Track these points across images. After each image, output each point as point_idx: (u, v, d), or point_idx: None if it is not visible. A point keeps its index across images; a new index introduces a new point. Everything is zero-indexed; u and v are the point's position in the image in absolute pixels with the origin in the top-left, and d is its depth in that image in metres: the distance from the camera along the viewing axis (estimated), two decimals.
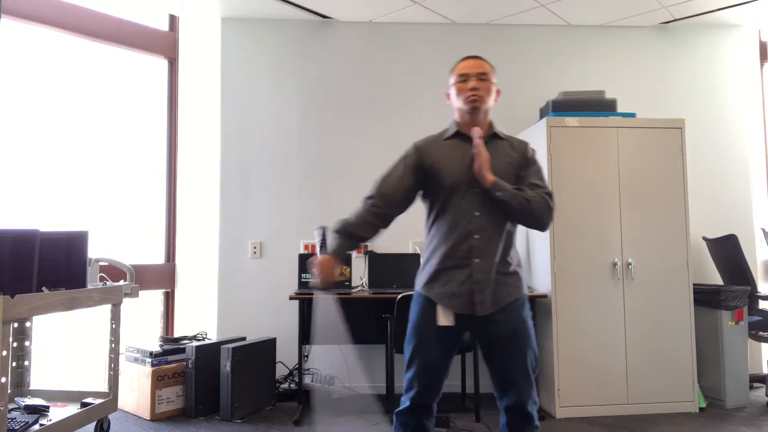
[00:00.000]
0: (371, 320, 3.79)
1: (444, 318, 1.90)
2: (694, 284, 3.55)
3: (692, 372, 3.45)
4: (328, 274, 1.93)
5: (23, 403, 2.77)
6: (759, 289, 3.99)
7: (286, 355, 3.90)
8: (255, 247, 4.10)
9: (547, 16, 4.18)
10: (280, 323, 3.99)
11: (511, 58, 4.32)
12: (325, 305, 2.00)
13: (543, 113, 3.86)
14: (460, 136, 1.98)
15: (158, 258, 4.27)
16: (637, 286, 3.47)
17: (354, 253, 4.04)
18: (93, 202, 3.95)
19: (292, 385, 3.92)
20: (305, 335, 3.62)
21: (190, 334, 3.81)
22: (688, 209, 3.56)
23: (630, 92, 4.28)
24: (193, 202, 4.27)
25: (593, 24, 4.33)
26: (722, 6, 4.03)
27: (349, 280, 3.78)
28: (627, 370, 3.42)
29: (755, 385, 3.91)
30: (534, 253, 3.72)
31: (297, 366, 3.64)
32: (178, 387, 3.44)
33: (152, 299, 4.24)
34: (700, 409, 3.45)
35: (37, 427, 2.50)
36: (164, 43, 4.31)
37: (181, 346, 3.51)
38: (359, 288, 3.87)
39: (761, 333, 3.82)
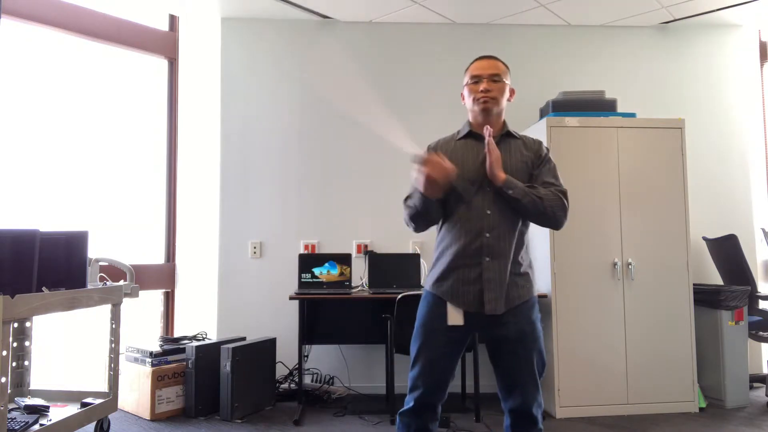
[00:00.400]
0: (371, 320, 3.80)
1: (454, 317, 1.89)
2: (694, 284, 3.55)
3: (692, 372, 3.45)
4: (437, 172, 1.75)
5: (23, 403, 2.77)
6: (759, 289, 3.99)
7: (286, 355, 3.90)
8: (255, 247, 4.10)
9: (547, 16, 4.18)
10: (280, 323, 3.99)
11: (511, 58, 4.27)
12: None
13: (543, 113, 3.86)
14: (473, 135, 1.98)
15: (158, 258, 4.27)
16: (637, 286, 3.47)
17: (354, 253, 4.04)
18: (93, 202, 3.95)
19: (292, 385, 3.92)
20: (305, 335, 3.62)
21: (190, 334, 3.81)
22: (688, 209, 3.56)
23: (630, 92, 4.28)
24: (193, 202, 4.27)
25: (593, 24, 4.33)
26: (722, 6, 4.03)
27: (349, 280, 3.78)
28: (627, 370, 3.42)
29: (755, 385, 3.92)
30: (534, 253, 3.71)
31: (297, 366, 3.64)
32: (178, 387, 3.44)
33: (152, 299, 4.24)
34: (700, 409, 3.45)
35: (37, 427, 2.50)
36: (164, 43, 4.31)
37: (181, 346, 3.51)
38: (359, 288, 3.87)
39: (761, 333, 3.82)
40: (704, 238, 4.11)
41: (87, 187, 3.93)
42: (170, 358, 3.45)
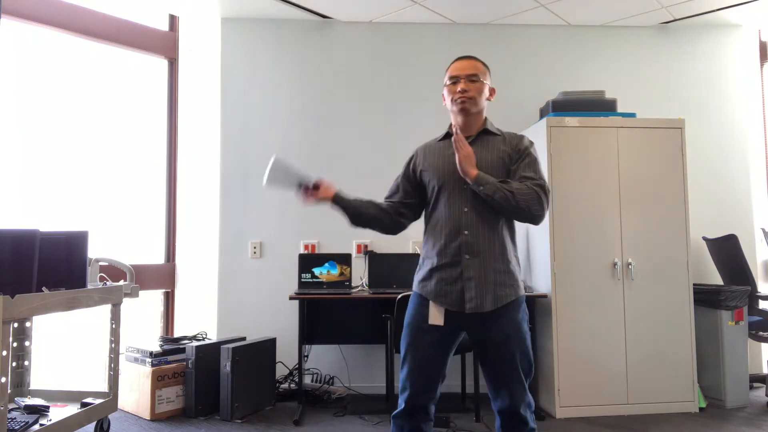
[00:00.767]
0: (371, 320, 3.80)
1: (435, 316, 1.89)
2: (694, 284, 3.55)
3: (692, 372, 3.45)
4: (322, 188, 2.02)
5: (23, 403, 2.77)
6: (759, 289, 3.99)
7: (286, 355, 3.90)
8: (255, 247, 4.10)
9: (547, 16, 4.18)
10: (280, 323, 3.99)
11: (511, 58, 4.32)
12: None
13: (543, 113, 3.86)
14: (452, 136, 1.99)
15: (158, 258, 4.27)
16: (637, 286, 3.47)
17: (354, 253, 4.04)
18: (93, 202, 3.95)
19: (292, 385, 3.92)
20: (305, 335, 3.62)
21: (190, 334, 3.81)
22: (688, 209, 3.56)
23: (630, 92, 4.28)
24: (193, 202, 4.27)
25: (593, 24, 4.33)
26: (722, 6, 4.03)
27: (349, 280, 3.78)
28: (627, 370, 3.42)
29: (755, 385, 3.92)
30: (534, 253, 3.72)
31: (297, 366, 3.64)
32: (178, 387, 3.44)
33: (152, 299, 4.24)
34: (700, 409, 3.45)
35: (37, 427, 2.50)
36: (164, 43, 4.31)
37: (181, 346, 3.51)
38: (359, 288, 3.87)
39: (761, 333, 3.82)
40: (704, 238, 4.11)
41: (87, 187, 3.93)
42: (170, 358, 3.45)
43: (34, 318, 3.08)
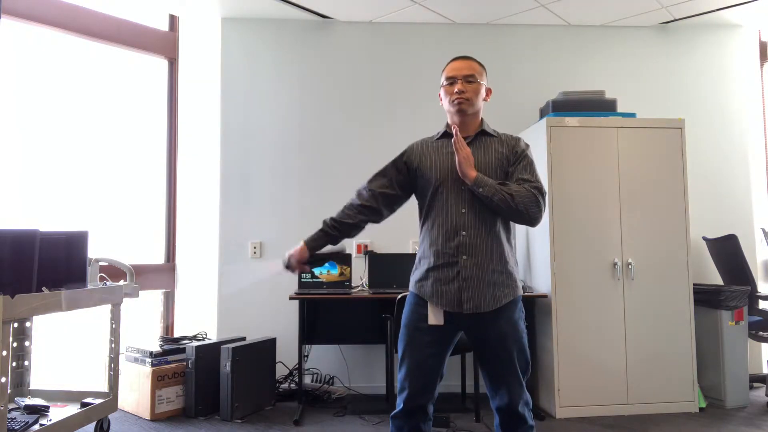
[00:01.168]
0: (371, 320, 3.80)
1: (434, 316, 1.90)
2: (694, 284, 3.55)
3: (692, 372, 3.45)
4: (294, 258, 2.10)
5: (23, 403, 2.77)
6: (759, 289, 3.99)
7: (286, 355, 3.90)
8: (255, 247, 4.10)
9: (547, 16, 4.18)
10: (280, 323, 3.99)
11: (511, 58, 4.32)
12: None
13: (543, 113, 3.86)
14: (448, 136, 2.00)
15: (158, 258, 4.27)
16: (637, 286, 3.47)
17: (354, 253, 4.04)
18: (93, 202, 3.95)
19: (292, 385, 3.92)
20: (305, 335, 3.62)
21: (190, 334, 3.81)
22: (688, 209, 3.56)
23: (630, 92, 4.28)
24: (193, 202, 4.27)
25: (593, 24, 4.33)
26: (722, 6, 4.03)
27: (349, 280, 3.78)
28: (627, 370, 3.42)
29: (755, 385, 3.91)
30: (534, 253, 3.72)
31: (297, 366, 3.64)
32: (178, 387, 3.44)
33: (152, 299, 4.24)
34: (700, 409, 3.45)
35: (37, 427, 2.50)
36: (164, 43, 4.31)
37: (181, 346, 3.51)
38: (359, 288, 3.87)
39: (761, 333, 3.82)
40: (704, 238, 4.11)
41: (87, 187, 3.93)
42: (170, 358, 3.45)
43: (34, 318, 3.08)
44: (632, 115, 3.66)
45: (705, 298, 3.64)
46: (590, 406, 3.38)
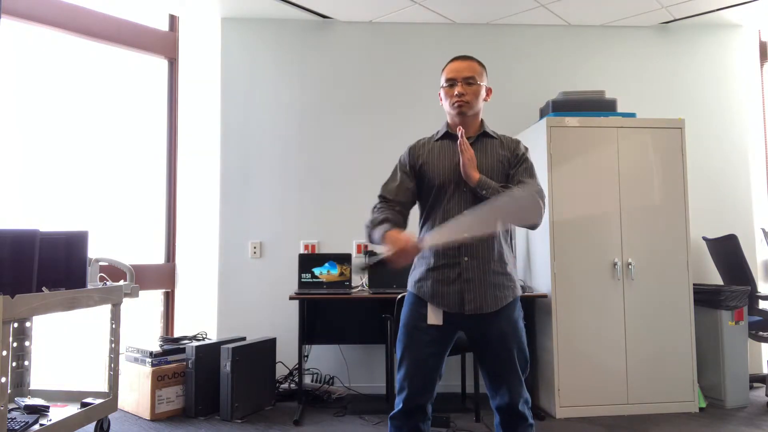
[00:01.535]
0: (371, 320, 3.79)
1: (433, 317, 1.90)
2: (694, 284, 3.55)
3: (692, 372, 3.45)
4: (402, 248, 1.80)
5: (23, 403, 2.77)
6: (759, 289, 3.99)
7: (286, 355, 3.90)
8: (255, 247, 4.10)
9: (547, 16, 4.17)
10: (280, 323, 3.99)
11: (511, 58, 4.31)
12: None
13: (543, 113, 3.86)
14: (450, 137, 2.00)
15: (158, 258, 4.27)
16: (637, 286, 3.47)
17: (354, 253, 4.04)
18: (93, 202, 3.95)
19: (292, 385, 3.92)
20: (305, 335, 3.62)
21: (190, 334, 3.81)
22: (688, 209, 3.55)
23: (630, 92, 4.27)
24: (193, 202, 4.27)
25: (593, 24, 4.33)
26: (722, 6, 4.03)
27: (349, 280, 3.78)
28: (627, 370, 3.42)
29: (755, 385, 3.91)
30: (534, 253, 3.72)
31: (297, 366, 3.64)
32: (178, 387, 3.44)
33: (152, 299, 4.24)
34: (700, 409, 3.45)
35: (37, 427, 2.50)
36: (164, 43, 4.31)
37: (181, 346, 3.51)
38: (359, 288, 3.86)
39: (761, 333, 3.82)
40: (704, 238, 4.11)
41: (87, 187, 3.93)
42: (170, 358, 3.45)
43: (34, 318, 3.07)
44: (632, 115, 3.66)
45: (705, 298, 3.64)
46: (590, 406, 3.38)
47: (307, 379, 3.93)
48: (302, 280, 3.75)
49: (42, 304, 2.40)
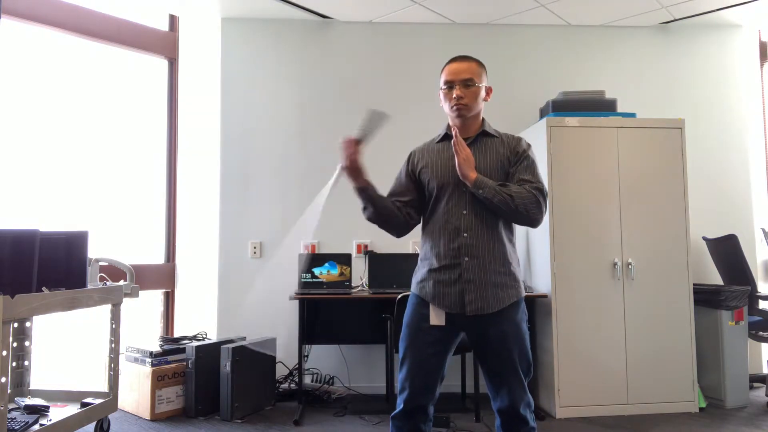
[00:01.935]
0: (371, 320, 3.79)
1: (436, 317, 1.89)
2: (694, 284, 3.55)
3: (692, 372, 3.45)
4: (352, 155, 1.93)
5: (23, 403, 2.77)
6: (759, 289, 3.99)
7: (286, 355, 3.90)
8: (255, 247, 4.10)
9: (547, 16, 4.18)
10: (280, 323, 3.99)
11: (511, 58, 4.32)
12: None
13: (543, 113, 3.86)
14: (450, 137, 1.99)
15: (158, 258, 4.27)
16: (637, 286, 3.47)
17: (354, 253, 4.04)
18: (93, 202, 3.95)
19: (292, 385, 3.92)
20: (305, 335, 3.62)
21: (190, 334, 3.81)
22: (688, 209, 3.55)
23: (630, 92, 4.27)
24: (193, 202, 4.27)
25: (593, 24, 4.33)
26: (722, 6, 4.03)
27: (349, 280, 3.78)
28: (627, 370, 3.42)
29: (755, 385, 3.91)
30: (534, 253, 3.72)
31: (297, 366, 3.64)
32: (178, 387, 3.44)
33: (152, 299, 4.24)
34: (700, 409, 3.45)
35: (37, 427, 2.50)
36: (164, 43, 4.31)
37: (181, 346, 3.51)
38: (359, 288, 3.87)
39: (761, 333, 3.82)
40: (704, 238, 4.11)
41: (87, 187, 3.93)
42: (170, 358, 3.45)
43: (34, 318, 3.07)
44: (632, 115, 3.66)
45: (705, 298, 3.64)
46: (590, 406, 3.38)
47: (307, 379, 3.93)
48: (302, 280, 3.75)
49: (42, 304, 2.40)
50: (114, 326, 2.97)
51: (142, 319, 4.14)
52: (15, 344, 3.02)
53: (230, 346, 3.39)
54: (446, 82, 1.97)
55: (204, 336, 3.74)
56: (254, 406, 3.51)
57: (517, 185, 1.88)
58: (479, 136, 1.98)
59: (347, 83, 4.23)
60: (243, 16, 4.19)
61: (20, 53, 3.66)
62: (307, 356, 3.81)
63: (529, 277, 3.78)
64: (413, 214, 2.05)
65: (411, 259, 3.84)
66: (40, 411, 2.71)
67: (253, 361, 3.52)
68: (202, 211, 4.21)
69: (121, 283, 3.16)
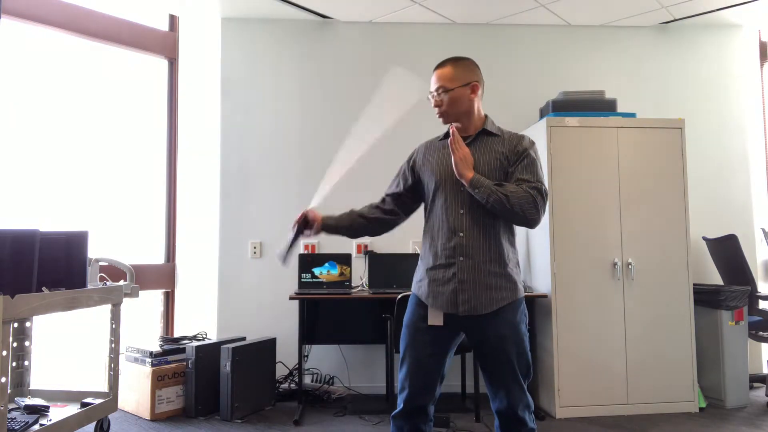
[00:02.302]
0: (371, 320, 3.79)
1: (433, 318, 1.89)
2: (694, 284, 3.55)
3: (692, 372, 3.45)
4: (308, 215, 2.14)
5: (23, 403, 2.77)
6: (759, 289, 3.99)
7: (286, 355, 3.90)
8: (255, 247, 4.10)
9: (547, 16, 4.18)
10: (280, 323, 3.99)
11: (511, 58, 4.32)
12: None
13: (543, 113, 3.86)
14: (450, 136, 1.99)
15: (158, 258, 4.27)
16: (637, 286, 3.47)
17: (354, 253, 4.04)
18: (93, 202, 3.95)
19: (292, 385, 3.92)
20: (305, 335, 3.62)
21: (190, 334, 3.81)
22: (688, 209, 3.55)
23: (630, 92, 4.28)
24: (193, 202, 4.27)
25: (593, 24, 4.33)
26: (722, 6, 4.03)
27: (349, 280, 3.78)
28: (627, 370, 3.42)
29: (755, 385, 3.91)
30: (534, 253, 3.72)
31: (297, 366, 3.64)
32: (178, 387, 3.44)
33: (152, 299, 4.24)
34: (700, 409, 3.45)
35: (37, 427, 2.50)
36: (164, 43, 4.31)
37: (181, 346, 3.51)
38: (359, 288, 3.87)
39: (761, 333, 3.82)
40: (704, 238, 4.11)
41: (87, 187, 3.93)
42: (170, 358, 3.45)
43: (34, 318, 3.07)
44: (632, 115, 3.66)
45: (705, 298, 3.64)
46: (590, 406, 3.38)
47: (307, 379, 3.93)
48: (302, 280, 3.75)
49: (42, 304, 2.40)
50: (114, 326, 2.97)
51: (142, 319, 4.14)
52: (15, 344, 3.02)
53: (230, 346, 3.39)
54: (429, 92, 2.03)
55: (204, 336, 3.74)
56: (254, 406, 3.51)
57: (515, 185, 1.86)
58: (479, 135, 1.97)
59: (347, 83, 4.23)
60: (243, 16, 4.19)
61: (20, 53, 3.66)
62: (307, 356, 3.82)
63: (529, 277, 3.78)
64: (398, 211, 2.09)
65: (411, 259, 3.86)
66: (40, 411, 2.71)
67: (253, 361, 3.52)
68: (202, 211, 4.21)
69: (121, 283, 3.16)
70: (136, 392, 3.40)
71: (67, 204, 3.82)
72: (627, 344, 3.44)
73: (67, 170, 3.83)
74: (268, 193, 4.14)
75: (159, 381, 3.34)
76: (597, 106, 3.68)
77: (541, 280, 3.59)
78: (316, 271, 3.77)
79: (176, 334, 4.11)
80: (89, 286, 2.79)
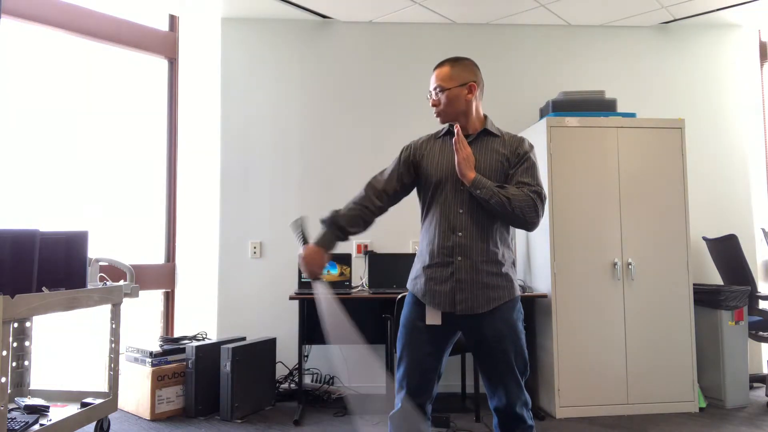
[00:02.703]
0: (371, 320, 3.79)
1: (431, 317, 1.89)
2: (694, 284, 3.55)
3: (692, 372, 3.45)
4: (315, 265, 1.99)
5: (23, 403, 2.77)
6: (759, 289, 3.99)
7: (286, 355, 3.90)
8: (255, 247, 4.10)
9: (547, 16, 4.18)
10: (280, 323, 3.99)
11: (511, 58, 4.32)
12: (328, 304, 2.02)
13: (543, 113, 3.86)
14: (452, 134, 1.98)
15: (158, 258, 4.27)
16: (637, 286, 3.47)
17: (354, 253, 4.04)
18: (93, 202, 3.95)
19: (292, 385, 3.92)
20: (305, 335, 3.62)
21: (190, 334, 3.81)
22: (688, 209, 3.55)
23: (630, 92, 4.27)
24: (193, 202, 4.27)
25: (593, 24, 4.33)
26: (722, 6, 4.03)
27: (349, 280, 3.78)
28: (627, 370, 3.42)
29: (755, 385, 3.91)
30: (534, 253, 3.72)
31: (297, 366, 3.64)
32: (178, 387, 3.44)
33: (152, 299, 4.24)
34: (700, 409, 3.45)
35: (37, 427, 2.50)
36: (164, 43, 4.31)
37: (181, 346, 3.51)
38: (359, 288, 3.87)
39: (761, 333, 3.82)
40: (704, 238, 4.11)
41: (87, 187, 3.93)
42: (170, 358, 3.45)
43: (34, 318, 3.07)
44: (632, 115, 3.66)
45: (705, 298, 3.64)
46: (590, 406, 3.38)
47: (307, 379, 3.93)
48: (302, 280, 3.75)
49: (42, 304, 2.40)
50: (114, 326, 2.97)
51: (142, 319, 4.14)
52: (15, 344, 3.02)
53: (230, 346, 3.39)
54: (428, 92, 2.02)
55: (204, 336, 3.74)
56: (254, 406, 3.51)
57: (515, 187, 1.86)
58: (480, 135, 1.97)
59: (347, 83, 4.23)
60: (243, 16, 4.19)
61: (20, 53, 3.66)
62: (307, 356, 3.81)
63: (529, 277, 3.78)
64: (384, 200, 2.02)
65: (411, 259, 3.81)
66: (40, 411, 2.71)
67: (253, 361, 3.52)
68: (202, 211, 4.21)
69: (121, 283, 3.16)
70: (136, 392, 3.40)
71: (67, 204, 3.82)
72: (627, 344, 3.44)
73: (67, 170, 3.84)
74: (268, 193, 4.14)
75: (159, 381, 3.34)
76: (597, 106, 3.68)
77: (541, 280, 3.59)
78: None
79: (176, 334, 4.11)
80: (89, 286, 2.79)
